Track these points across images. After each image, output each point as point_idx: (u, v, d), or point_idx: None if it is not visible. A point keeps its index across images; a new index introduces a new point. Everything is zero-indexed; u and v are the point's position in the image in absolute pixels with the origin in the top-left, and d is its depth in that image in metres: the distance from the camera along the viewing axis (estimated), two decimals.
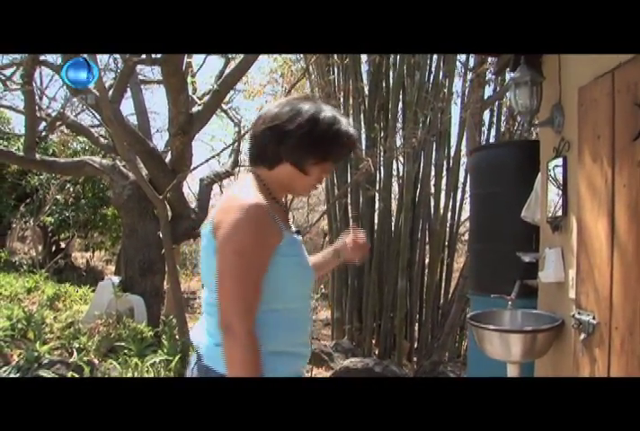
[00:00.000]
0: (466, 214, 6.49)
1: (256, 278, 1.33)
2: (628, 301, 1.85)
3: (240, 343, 1.28)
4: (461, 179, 6.25)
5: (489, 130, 6.31)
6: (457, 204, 6.18)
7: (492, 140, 6.18)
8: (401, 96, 5.82)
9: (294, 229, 1.50)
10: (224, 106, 6.95)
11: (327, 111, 1.44)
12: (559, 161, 2.45)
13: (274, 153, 1.43)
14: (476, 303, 3.50)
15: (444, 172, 6.09)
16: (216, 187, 7.57)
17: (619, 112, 1.93)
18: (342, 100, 6.21)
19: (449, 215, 6.06)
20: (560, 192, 2.43)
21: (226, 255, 1.32)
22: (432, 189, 5.99)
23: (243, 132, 6.76)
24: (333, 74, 6.21)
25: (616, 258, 1.93)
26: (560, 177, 2.43)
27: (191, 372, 1.46)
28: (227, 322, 1.29)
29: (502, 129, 6.50)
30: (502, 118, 6.47)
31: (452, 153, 6.09)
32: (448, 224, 6.06)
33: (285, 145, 1.41)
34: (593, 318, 2.05)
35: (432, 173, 5.93)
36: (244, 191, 1.39)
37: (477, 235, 3.55)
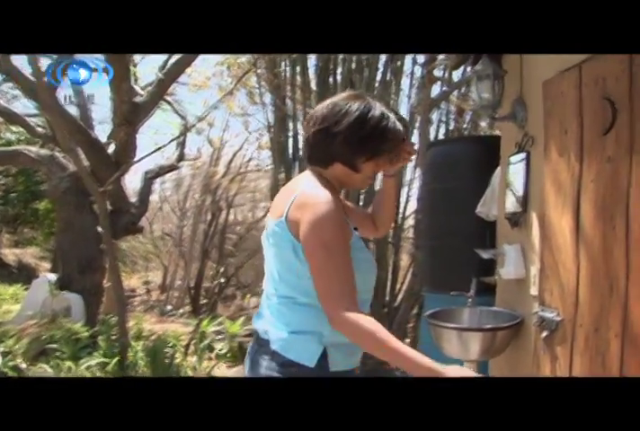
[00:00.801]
0: (410, 211, 6.55)
1: (347, 266, 1.38)
2: (595, 297, 1.82)
3: (351, 326, 1.32)
4: (408, 176, 6.26)
5: (438, 128, 6.34)
6: (403, 201, 6.17)
7: (440, 138, 6.20)
8: None
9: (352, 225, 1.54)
10: (168, 98, 6.72)
11: (376, 109, 1.49)
12: (521, 156, 2.41)
13: (326, 153, 1.50)
14: (431, 300, 3.47)
15: None
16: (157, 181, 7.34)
17: (587, 106, 1.90)
18: (289, 93, 6.11)
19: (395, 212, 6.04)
20: (522, 188, 2.40)
21: (314, 251, 1.38)
22: (378, 186, 5.94)
23: (189, 125, 6.56)
24: (281, 67, 6.09)
25: (582, 254, 1.90)
26: (522, 172, 2.40)
27: (251, 357, 1.55)
28: (332, 316, 1.34)
29: (451, 127, 6.56)
30: (451, 116, 6.53)
31: None
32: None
33: (334, 146, 1.48)
34: (557, 315, 2.02)
35: None
36: (315, 188, 1.45)
37: (432, 231, 3.51)
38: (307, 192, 1.44)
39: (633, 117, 1.69)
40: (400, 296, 5.98)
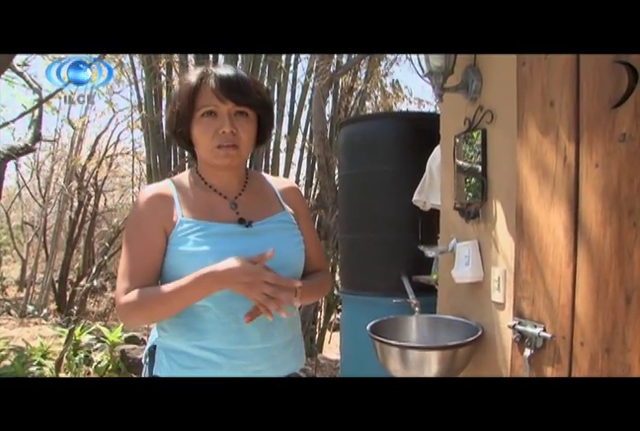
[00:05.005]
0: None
1: (129, 257, 1.39)
2: (603, 310, 1.46)
3: (125, 309, 1.34)
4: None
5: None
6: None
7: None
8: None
9: (235, 218, 1.42)
10: (19, 68, 5.69)
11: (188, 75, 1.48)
12: (476, 134, 2.02)
13: (181, 134, 1.45)
14: (349, 303, 3.04)
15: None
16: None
17: (589, 72, 1.51)
18: (163, 69, 5.44)
19: None
20: (479, 173, 2.01)
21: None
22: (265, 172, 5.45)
23: (44, 99, 5.60)
24: None
25: (581, 256, 1.53)
26: (477, 154, 2.01)
27: None
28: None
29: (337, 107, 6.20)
30: (338, 94, 6.16)
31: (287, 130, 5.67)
32: None
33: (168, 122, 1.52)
34: (544, 330, 1.64)
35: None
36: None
37: (350, 223, 3.06)
38: None
39: None
40: None
